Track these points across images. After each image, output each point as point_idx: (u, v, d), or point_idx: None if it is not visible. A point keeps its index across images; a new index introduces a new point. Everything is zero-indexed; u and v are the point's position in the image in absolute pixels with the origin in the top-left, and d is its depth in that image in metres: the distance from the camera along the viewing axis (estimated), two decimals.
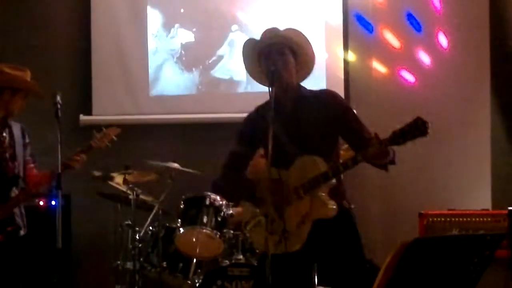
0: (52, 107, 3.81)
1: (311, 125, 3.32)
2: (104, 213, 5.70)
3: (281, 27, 3.45)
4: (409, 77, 5.93)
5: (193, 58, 6.17)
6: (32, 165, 4.25)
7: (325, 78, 5.92)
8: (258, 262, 3.64)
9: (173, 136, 6.06)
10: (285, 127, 3.25)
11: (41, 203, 5.44)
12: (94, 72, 6.19)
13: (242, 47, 3.46)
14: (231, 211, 4.87)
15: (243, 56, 3.46)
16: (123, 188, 4.97)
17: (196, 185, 4.97)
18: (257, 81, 3.50)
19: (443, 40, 5.87)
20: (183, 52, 6.18)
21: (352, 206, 5.25)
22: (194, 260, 4.73)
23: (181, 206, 4.97)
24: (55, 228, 3.53)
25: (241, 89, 6.05)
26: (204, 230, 4.77)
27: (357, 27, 5.97)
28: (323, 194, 3.26)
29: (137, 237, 4.91)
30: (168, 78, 6.19)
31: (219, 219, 4.85)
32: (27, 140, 4.24)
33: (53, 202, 5.25)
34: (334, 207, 3.28)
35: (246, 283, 4.49)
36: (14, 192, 4.11)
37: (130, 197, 4.92)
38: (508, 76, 5.74)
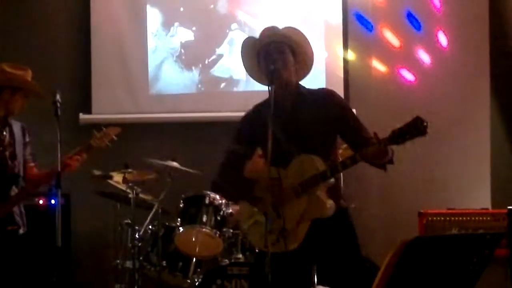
0: (52, 106, 3.80)
1: (309, 124, 3.32)
2: (104, 212, 5.70)
3: (281, 26, 3.45)
4: (408, 76, 5.93)
5: (193, 56, 6.17)
6: (32, 164, 4.25)
7: (324, 77, 5.92)
8: (255, 261, 3.64)
9: (172, 134, 6.06)
10: (284, 126, 3.25)
11: (41, 202, 5.44)
12: (93, 71, 6.18)
13: (241, 45, 3.47)
14: (230, 210, 4.87)
15: (242, 54, 3.46)
16: (123, 187, 4.97)
17: (196, 184, 4.96)
18: (255, 79, 3.51)
19: (442, 39, 5.87)
20: (182, 51, 6.18)
21: (352, 205, 5.26)
22: (194, 259, 4.73)
23: (181, 205, 4.97)
24: (54, 227, 3.53)
25: (240, 88, 6.05)
26: (204, 229, 4.77)
27: (356, 26, 5.97)
28: (321, 193, 3.26)
29: (137, 236, 4.90)
30: (168, 77, 6.19)
31: (219, 218, 4.85)
32: (27, 139, 4.24)
33: (52, 201, 5.26)
34: (332, 206, 3.29)
35: (245, 282, 4.49)
36: (14, 191, 4.11)
37: (130, 196, 4.92)
38: (508, 75, 5.74)
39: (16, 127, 4.19)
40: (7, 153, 4.11)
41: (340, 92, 5.78)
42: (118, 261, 5.08)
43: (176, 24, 6.19)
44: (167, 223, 4.90)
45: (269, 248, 2.98)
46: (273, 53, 3.32)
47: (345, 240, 3.34)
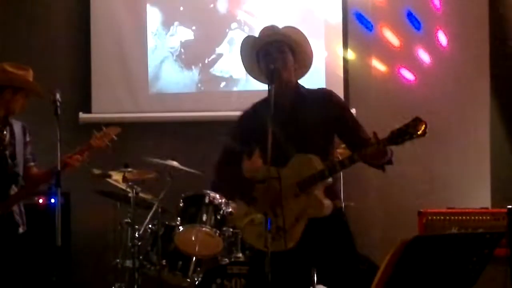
0: (52, 105, 3.80)
1: (308, 124, 3.32)
2: (104, 211, 5.70)
3: (281, 25, 3.45)
4: (408, 75, 5.93)
5: (193, 56, 6.17)
6: (32, 164, 4.25)
7: (324, 76, 5.92)
8: (251, 260, 3.63)
9: (172, 134, 6.06)
10: (283, 125, 3.23)
11: (41, 201, 5.43)
12: (93, 70, 6.19)
13: (240, 44, 3.47)
14: (230, 209, 4.87)
15: (241, 53, 3.46)
16: (123, 186, 4.97)
17: (196, 183, 4.97)
18: (255, 78, 3.50)
19: (442, 38, 5.87)
20: (182, 50, 6.18)
21: (352, 204, 5.27)
22: (194, 258, 4.73)
23: (181, 204, 4.97)
24: (54, 226, 3.53)
25: (240, 87, 6.05)
26: (204, 228, 4.77)
27: (356, 25, 5.97)
28: (319, 192, 3.26)
29: (137, 235, 4.91)
30: (168, 76, 6.19)
31: (219, 217, 4.85)
32: (27, 139, 4.24)
33: (52, 200, 5.26)
34: (329, 206, 3.29)
35: (245, 281, 4.49)
36: (14, 190, 4.11)
37: (130, 195, 4.92)
38: (508, 75, 5.74)
39: (17, 126, 4.19)
40: (7, 152, 4.11)
41: (340, 92, 5.82)
42: (118, 260, 5.09)
43: (176, 23, 6.19)
44: (167, 222, 4.90)
45: (268, 248, 2.97)
46: (273, 53, 3.32)
47: (341, 240, 3.34)
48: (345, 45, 5.95)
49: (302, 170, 3.24)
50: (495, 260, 3.00)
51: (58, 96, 3.81)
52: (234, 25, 6.12)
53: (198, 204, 4.90)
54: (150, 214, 4.97)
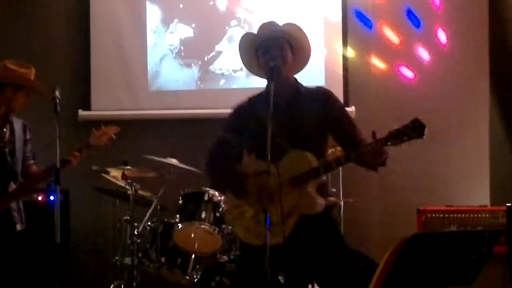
0: (51, 102, 3.80)
1: (305, 121, 3.32)
2: (103, 209, 5.71)
3: (280, 23, 3.44)
4: (408, 73, 5.93)
5: (192, 53, 6.17)
6: (31, 162, 4.26)
7: (324, 74, 5.92)
8: (240, 253, 3.61)
9: (172, 131, 6.06)
10: (279, 121, 3.19)
11: (40, 198, 5.43)
12: (93, 68, 6.18)
13: (239, 40, 3.46)
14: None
15: (240, 50, 3.45)
16: (122, 183, 4.97)
17: (195, 180, 4.96)
18: (254, 73, 3.50)
19: (442, 36, 5.87)
20: (182, 47, 6.18)
21: (351, 200, 5.27)
22: (193, 256, 4.73)
23: (180, 202, 4.97)
24: (53, 223, 3.53)
25: (240, 85, 6.05)
26: (203, 226, 4.77)
27: (356, 23, 5.97)
28: (312, 189, 3.26)
29: (136, 232, 4.90)
30: (167, 74, 6.19)
31: (218, 214, 4.85)
32: (28, 137, 4.24)
33: (51, 197, 5.25)
34: (322, 203, 3.29)
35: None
36: (12, 187, 4.12)
37: (129, 192, 4.92)
38: (507, 73, 5.74)
39: (17, 124, 4.20)
40: (6, 149, 4.12)
41: (340, 89, 5.82)
42: (117, 257, 5.08)
43: (175, 20, 6.19)
44: (166, 220, 4.90)
45: (267, 245, 2.96)
46: (272, 50, 3.31)
47: (329, 238, 3.33)
48: (345, 43, 5.95)
49: (296, 166, 3.23)
50: (494, 258, 3.00)
51: (57, 93, 3.80)
52: (233, 22, 6.12)
53: (197, 202, 4.90)
54: (149, 211, 4.97)
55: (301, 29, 3.40)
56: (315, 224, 3.27)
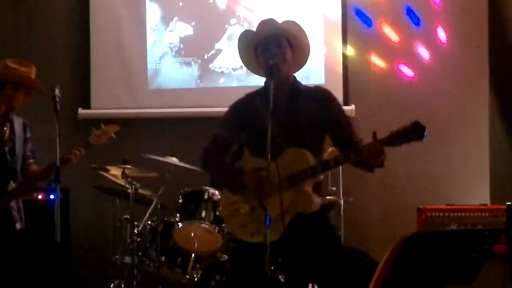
0: (51, 100, 3.79)
1: (303, 120, 3.31)
2: (103, 207, 5.70)
3: (279, 20, 3.44)
4: (408, 71, 5.93)
5: (192, 51, 6.16)
6: (31, 161, 4.26)
7: (323, 72, 5.92)
8: (235, 250, 3.60)
9: (172, 129, 6.06)
10: (277, 119, 3.17)
11: (40, 197, 5.43)
12: (93, 66, 6.18)
13: (238, 38, 3.45)
14: None
15: (239, 47, 3.44)
16: (122, 182, 4.97)
17: (195, 179, 4.96)
18: (252, 71, 3.49)
19: (442, 34, 5.87)
20: (181, 45, 6.17)
21: (351, 199, 5.26)
22: (193, 255, 4.73)
23: (180, 201, 4.96)
24: (53, 222, 3.52)
25: (240, 83, 6.04)
26: (203, 225, 4.77)
27: (356, 21, 5.97)
28: (309, 188, 3.25)
29: (136, 231, 4.90)
30: (167, 72, 6.19)
31: (218, 213, 4.84)
32: (28, 135, 4.24)
33: (51, 196, 5.25)
34: (318, 202, 3.29)
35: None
36: (12, 186, 4.12)
37: (129, 191, 4.92)
38: (507, 72, 5.74)
39: (18, 123, 4.20)
40: (6, 148, 4.12)
41: (339, 88, 5.82)
42: (117, 256, 5.09)
43: (175, 19, 6.19)
44: (166, 219, 4.89)
45: (268, 244, 2.96)
46: (271, 47, 3.31)
47: (324, 236, 3.32)
48: (345, 41, 5.94)
49: (294, 164, 3.22)
50: (494, 257, 3.00)
51: (57, 91, 3.80)
52: (233, 20, 6.11)
53: (197, 201, 4.90)
54: (149, 210, 4.97)
55: (300, 27, 3.40)
56: (310, 223, 3.27)
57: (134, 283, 4.87)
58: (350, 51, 5.96)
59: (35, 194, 5.39)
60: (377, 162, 3.13)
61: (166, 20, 6.19)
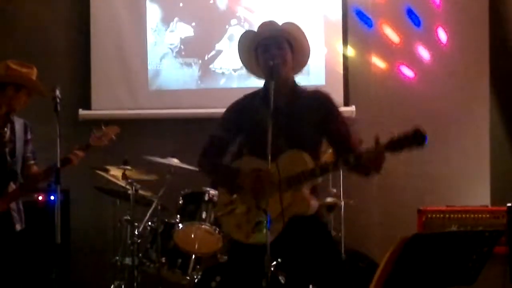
0: (51, 101, 3.79)
1: (302, 122, 3.30)
2: (103, 208, 5.70)
3: (280, 21, 3.44)
4: (408, 72, 5.92)
5: (192, 52, 6.16)
6: (32, 162, 4.26)
7: (324, 73, 5.92)
8: (229, 251, 3.59)
9: (172, 130, 6.06)
10: (276, 120, 3.15)
11: (40, 198, 5.43)
12: (93, 67, 6.18)
13: (238, 39, 3.45)
14: None
15: (239, 48, 3.44)
16: (122, 183, 4.97)
17: (195, 180, 4.96)
18: (251, 73, 3.49)
19: (442, 35, 5.87)
20: (182, 46, 6.17)
21: (351, 202, 5.26)
22: (193, 256, 4.73)
23: (180, 202, 4.96)
24: (54, 223, 3.52)
25: (240, 84, 6.03)
26: (203, 226, 4.77)
27: (356, 22, 5.97)
28: (306, 191, 3.24)
29: (136, 232, 4.89)
30: (167, 73, 6.18)
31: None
32: (29, 137, 4.24)
33: (52, 197, 5.25)
34: (315, 206, 3.29)
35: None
36: (12, 187, 4.12)
37: (129, 192, 4.91)
38: (507, 72, 5.74)
39: (18, 124, 4.20)
40: (7, 149, 4.12)
41: (340, 89, 5.82)
42: (117, 257, 5.08)
43: (175, 19, 6.18)
44: (166, 220, 4.89)
45: (268, 245, 2.95)
46: (272, 48, 3.30)
47: (319, 239, 3.31)
48: (345, 42, 5.94)
49: (293, 166, 3.21)
50: (495, 258, 3.00)
51: (57, 92, 3.79)
52: (234, 21, 6.11)
53: (197, 202, 4.90)
54: (150, 211, 4.96)
55: (300, 29, 3.40)
56: (306, 226, 3.26)
57: (135, 284, 4.87)
58: (351, 51, 5.96)
59: (36, 195, 5.39)
60: (376, 167, 3.12)
61: (166, 20, 6.19)
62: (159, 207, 4.90)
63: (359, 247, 5.44)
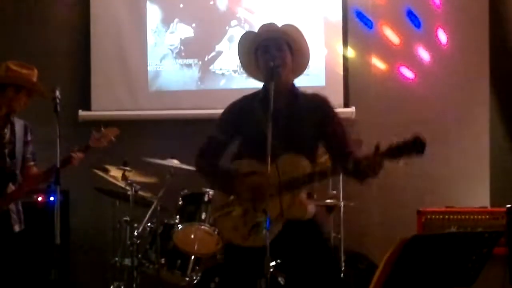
0: (51, 102, 3.79)
1: (300, 126, 3.30)
2: (103, 209, 5.70)
3: (280, 23, 3.44)
4: (408, 73, 5.92)
5: (192, 53, 6.17)
6: (32, 163, 4.25)
7: (324, 74, 5.92)
8: (224, 253, 3.58)
9: (172, 131, 6.05)
10: (275, 122, 3.14)
11: (40, 198, 5.43)
12: (93, 68, 6.18)
13: (238, 40, 3.45)
14: None
15: (239, 49, 3.43)
16: (122, 184, 4.97)
17: (195, 181, 4.95)
18: (249, 74, 3.48)
19: (442, 36, 5.87)
20: (182, 47, 6.17)
21: (351, 204, 5.25)
22: (193, 257, 4.73)
23: (180, 203, 4.96)
24: (53, 224, 3.51)
25: (240, 85, 6.03)
26: (203, 227, 4.77)
27: (356, 23, 5.97)
28: (304, 195, 3.24)
29: (135, 233, 4.90)
30: (167, 74, 6.19)
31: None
32: (29, 138, 4.24)
33: (51, 198, 5.25)
34: (312, 210, 3.28)
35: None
36: (11, 188, 4.11)
37: (129, 193, 4.91)
38: (507, 73, 5.74)
39: (19, 125, 4.20)
40: (6, 150, 4.12)
41: (340, 90, 5.83)
42: (117, 258, 5.08)
43: (175, 20, 6.19)
44: (166, 221, 4.89)
45: (267, 246, 2.94)
46: (272, 50, 3.30)
47: (315, 244, 3.30)
48: (345, 43, 5.94)
49: (290, 170, 3.20)
50: (494, 259, 3.00)
51: (57, 93, 3.79)
52: (234, 22, 6.11)
53: (197, 202, 4.90)
54: (149, 212, 4.97)
55: (299, 31, 3.39)
56: (302, 230, 3.25)
57: (134, 285, 4.87)
58: (351, 53, 5.96)
59: (35, 196, 5.39)
60: (373, 174, 3.10)
61: (166, 21, 6.19)
62: (158, 208, 4.90)
63: (358, 248, 5.45)
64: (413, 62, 5.90)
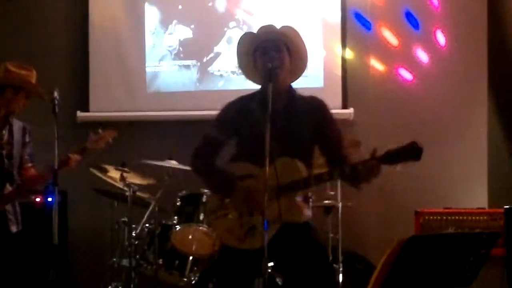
0: (49, 103, 3.79)
1: (297, 129, 3.30)
2: (101, 210, 5.70)
3: (279, 24, 3.44)
4: (406, 75, 5.93)
5: (191, 54, 6.17)
6: (30, 165, 4.25)
7: (322, 75, 5.92)
8: (219, 255, 3.57)
9: (170, 132, 6.05)
10: (272, 124, 3.14)
11: (38, 199, 5.43)
12: (91, 69, 6.19)
13: (237, 41, 3.44)
14: None
15: (237, 50, 3.43)
16: (120, 184, 4.97)
17: (193, 182, 4.95)
18: (247, 76, 3.47)
19: (441, 38, 5.87)
20: (180, 48, 6.18)
21: (349, 204, 5.25)
22: (190, 258, 4.72)
23: (178, 203, 4.96)
24: (51, 225, 3.51)
25: (238, 86, 6.02)
26: (201, 228, 4.76)
27: (355, 24, 5.97)
28: (300, 199, 3.24)
29: (133, 234, 4.90)
30: (166, 75, 6.19)
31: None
32: (27, 139, 4.24)
33: (49, 199, 5.25)
34: (308, 214, 3.28)
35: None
36: (8, 189, 4.11)
37: (127, 194, 4.91)
38: (506, 75, 5.74)
39: (17, 126, 4.20)
40: (4, 152, 4.12)
41: (338, 91, 5.83)
42: (115, 259, 5.08)
43: (174, 22, 6.19)
44: (164, 221, 4.89)
45: (265, 248, 2.94)
46: (270, 51, 3.30)
47: (310, 248, 3.29)
48: (344, 45, 5.94)
49: (286, 174, 3.20)
50: (492, 260, 3.00)
51: (56, 94, 3.79)
52: (232, 24, 6.11)
53: (195, 203, 4.89)
54: (147, 213, 4.96)
55: (298, 33, 3.39)
56: (297, 233, 3.25)
57: (132, 286, 4.87)
58: (349, 54, 5.97)
59: (33, 197, 5.39)
60: (370, 178, 3.10)
61: (165, 23, 6.20)
62: (156, 209, 4.90)
63: (356, 248, 5.44)
64: (412, 63, 5.91)
